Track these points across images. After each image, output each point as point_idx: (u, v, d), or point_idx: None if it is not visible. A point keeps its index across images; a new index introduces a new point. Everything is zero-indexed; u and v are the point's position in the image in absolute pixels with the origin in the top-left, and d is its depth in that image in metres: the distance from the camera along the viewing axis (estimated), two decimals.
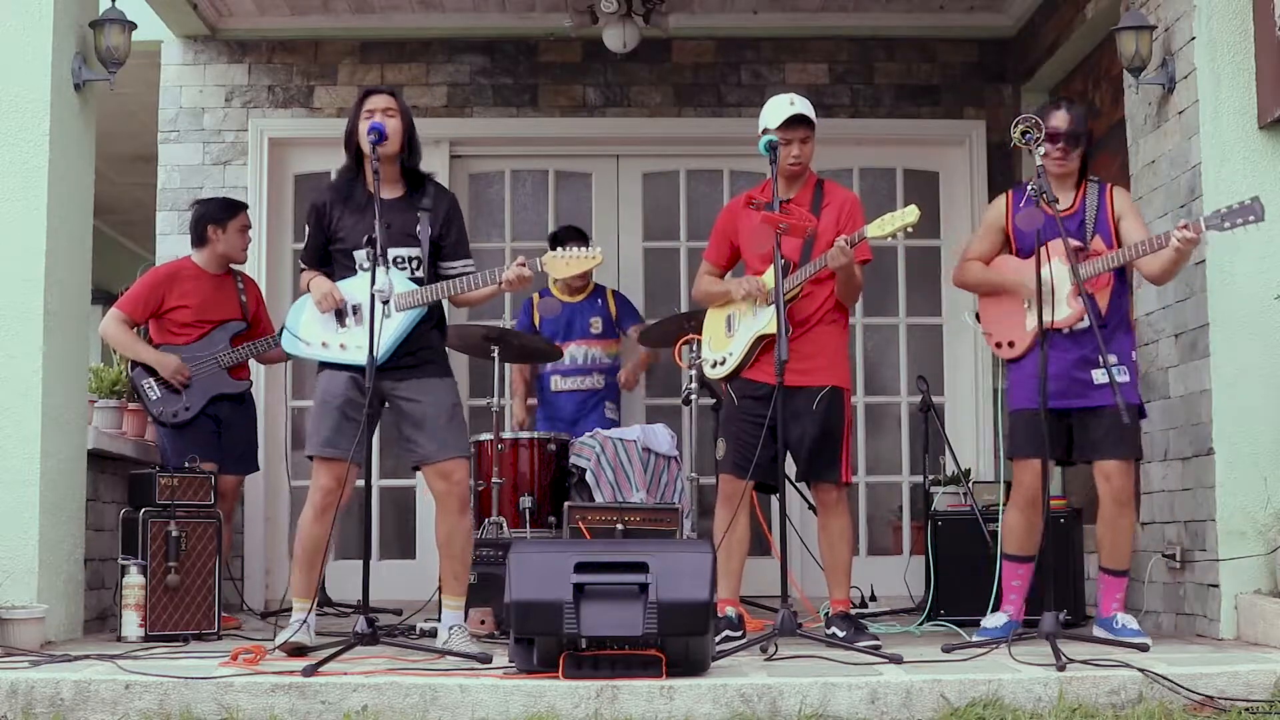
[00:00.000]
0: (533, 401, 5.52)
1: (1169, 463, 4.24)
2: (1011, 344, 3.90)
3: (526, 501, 4.66)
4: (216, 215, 4.87)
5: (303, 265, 3.89)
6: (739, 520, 3.92)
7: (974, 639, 3.66)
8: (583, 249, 3.69)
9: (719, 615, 3.88)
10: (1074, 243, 3.80)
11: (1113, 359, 3.78)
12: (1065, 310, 3.77)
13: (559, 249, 3.71)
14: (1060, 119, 3.85)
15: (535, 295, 5.47)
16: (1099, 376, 3.74)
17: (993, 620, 3.87)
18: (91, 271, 4.32)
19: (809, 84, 5.73)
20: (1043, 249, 3.61)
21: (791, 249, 3.88)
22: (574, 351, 5.35)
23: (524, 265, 3.63)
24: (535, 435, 4.87)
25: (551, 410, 5.31)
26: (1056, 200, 3.64)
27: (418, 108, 5.74)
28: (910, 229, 3.71)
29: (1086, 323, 3.74)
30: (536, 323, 5.38)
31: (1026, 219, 3.58)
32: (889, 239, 3.77)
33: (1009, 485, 4.84)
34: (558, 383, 5.36)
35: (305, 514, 3.71)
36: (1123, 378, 3.80)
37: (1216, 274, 3.98)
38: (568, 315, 5.37)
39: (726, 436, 3.96)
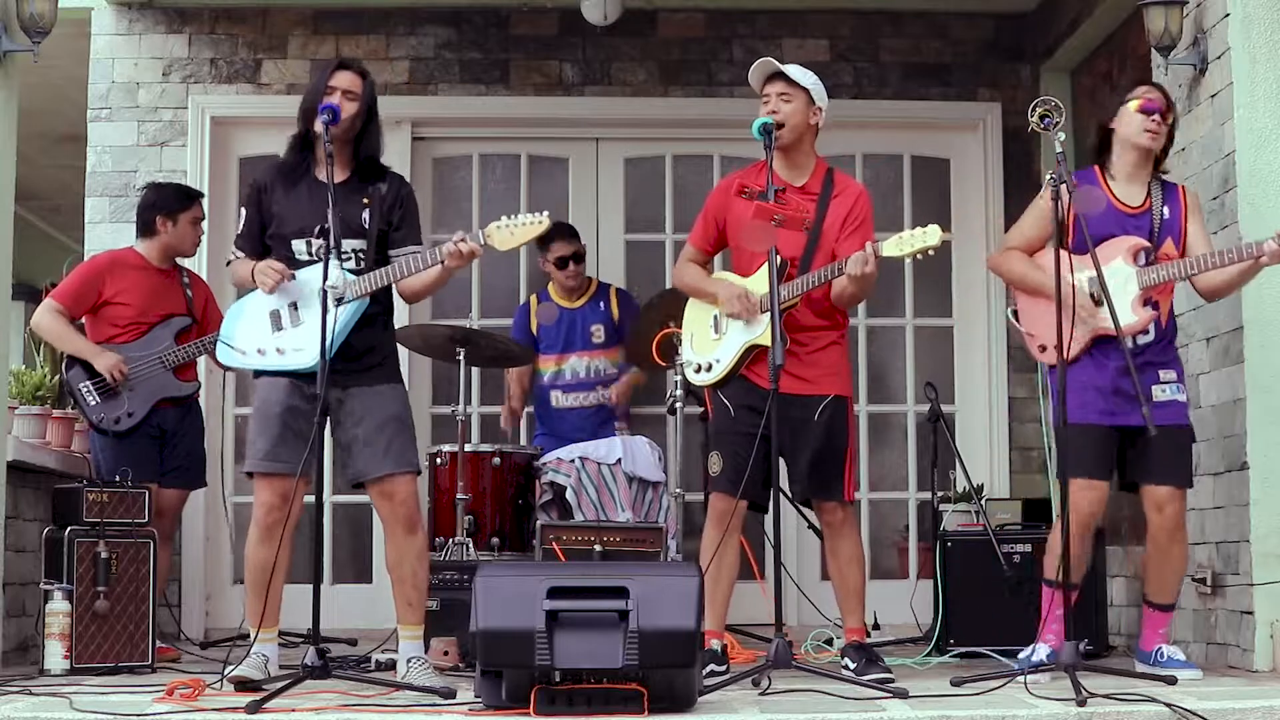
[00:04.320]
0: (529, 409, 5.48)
1: (1199, 478, 4.26)
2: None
3: (495, 540, 4.69)
4: (168, 204, 4.85)
5: (235, 253, 3.82)
6: (730, 546, 3.92)
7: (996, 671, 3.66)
8: (526, 215, 3.58)
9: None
10: (1142, 243, 3.81)
11: (1171, 375, 3.82)
12: (1130, 318, 3.73)
13: (504, 218, 3.60)
14: (1154, 92, 3.88)
15: (533, 299, 5.45)
16: (1161, 393, 3.73)
17: (1037, 653, 3.78)
18: (12, 263, 4.30)
19: (808, 61, 5.72)
20: (1104, 245, 3.57)
21: (792, 246, 3.87)
22: (575, 365, 5.29)
23: (464, 240, 3.56)
24: (500, 448, 4.87)
25: (555, 429, 5.24)
26: (1074, 190, 3.66)
27: (375, 84, 5.73)
28: (932, 252, 3.71)
29: (1151, 335, 3.76)
30: (535, 329, 5.34)
31: (1085, 200, 3.53)
32: (906, 260, 3.76)
33: (1025, 503, 4.89)
34: (559, 399, 5.30)
35: (250, 536, 3.70)
36: (1181, 396, 3.84)
37: None
38: (567, 323, 5.32)
39: (720, 450, 3.96)
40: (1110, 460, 3.83)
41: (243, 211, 3.83)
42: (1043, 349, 3.90)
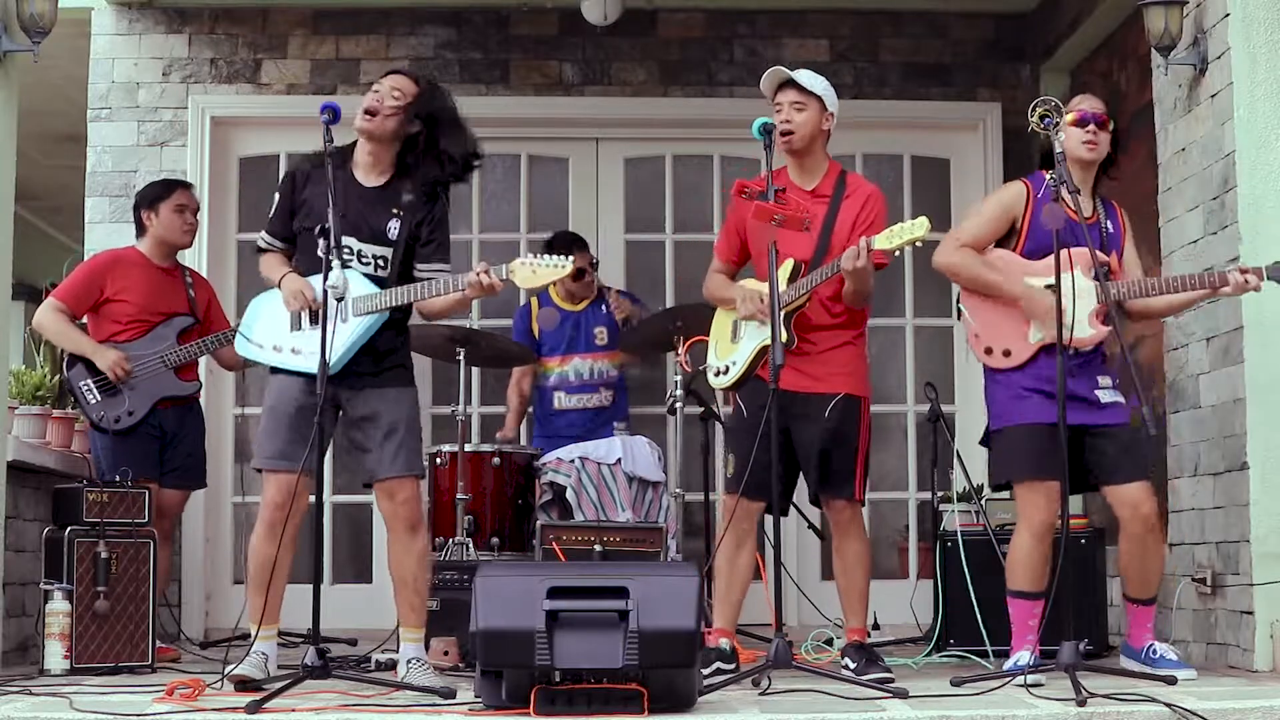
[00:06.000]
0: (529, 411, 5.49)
1: (1199, 478, 4.28)
2: (1008, 353, 3.85)
3: (494, 541, 4.70)
4: (148, 196, 4.86)
5: (263, 241, 3.82)
6: (745, 546, 3.94)
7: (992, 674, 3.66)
8: (552, 257, 3.63)
9: (712, 646, 3.89)
10: (1102, 257, 3.81)
11: (1108, 381, 3.86)
12: (1087, 330, 3.75)
13: (529, 256, 3.66)
14: (1088, 101, 3.91)
15: (534, 300, 5.46)
16: (1104, 395, 3.78)
17: (1019, 661, 3.77)
18: (12, 263, 4.30)
19: (808, 61, 5.75)
20: (1064, 253, 3.57)
21: (804, 247, 3.88)
22: (578, 366, 5.31)
23: (487, 272, 3.59)
24: (500, 448, 4.88)
25: (555, 430, 5.26)
26: (1079, 191, 3.66)
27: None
28: (919, 243, 3.72)
29: (1093, 348, 3.81)
30: (536, 332, 5.35)
31: (1050, 216, 3.54)
32: (896, 253, 3.77)
33: None
34: (562, 400, 5.32)
35: (255, 532, 3.71)
36: (1119, 398, 3.87)
37: None
38: (570, 325, 5.34)
39: (735, 452, 3.97)
40: (1060, 458, 3.77)
41: (275, 196, 3.82)
42: (989, 351, 3.89)
